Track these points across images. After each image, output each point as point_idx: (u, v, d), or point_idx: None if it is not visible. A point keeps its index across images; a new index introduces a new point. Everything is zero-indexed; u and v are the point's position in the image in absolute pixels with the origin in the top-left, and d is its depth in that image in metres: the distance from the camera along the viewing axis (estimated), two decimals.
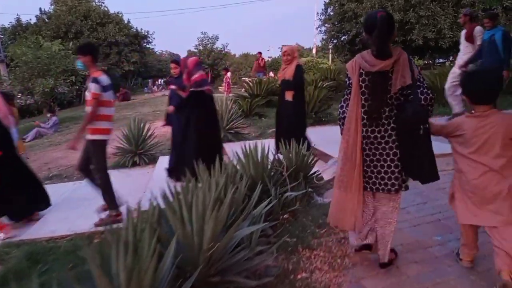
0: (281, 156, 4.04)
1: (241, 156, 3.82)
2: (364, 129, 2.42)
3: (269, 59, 54.19)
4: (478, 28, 6.79)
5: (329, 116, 9.37)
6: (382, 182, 2.43)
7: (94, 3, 29.43)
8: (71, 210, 4.88)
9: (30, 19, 27.23)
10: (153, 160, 7.62)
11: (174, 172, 5.54)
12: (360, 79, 2.39)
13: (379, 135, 2.40)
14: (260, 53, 18.09)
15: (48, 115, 13.98)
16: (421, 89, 2.31)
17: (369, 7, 14.72)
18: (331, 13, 18.75)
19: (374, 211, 2.58)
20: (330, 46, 22.69)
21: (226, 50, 38.44)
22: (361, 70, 2.38)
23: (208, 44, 35.82)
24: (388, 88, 2.33)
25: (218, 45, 37.35)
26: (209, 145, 5.28)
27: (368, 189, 2.49)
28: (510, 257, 2.24)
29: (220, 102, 8.32)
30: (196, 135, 5.10)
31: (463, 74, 2.98)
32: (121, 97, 24.89)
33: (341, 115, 2.56)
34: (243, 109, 10.64)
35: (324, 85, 12.56)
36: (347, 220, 2.49)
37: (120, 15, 29.09)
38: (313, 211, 3.52)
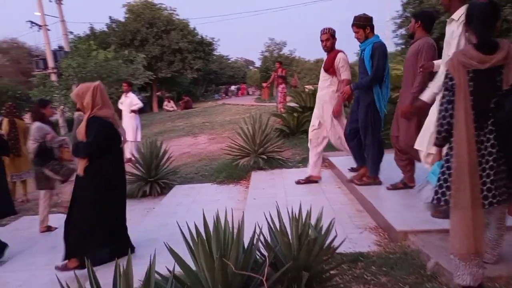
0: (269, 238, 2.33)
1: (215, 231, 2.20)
2: (476, 133, 2.17)
3: None
4: (340, 56, 4.86)
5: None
6: (497, 193, 2.16)
7: (166, 11, 29.57)
8: None
9: (102, 28, 27.79)
10: (167, 189, 6.33)
11: None
12: (468, 78, 2.15)
13: (484, 139, 2.18)
14: (279, 62, 14.08)
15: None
16: None
17: None
18: (409, 15, 16.54)
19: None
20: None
21: (294, 55, 37.00)
22: (467, 69, 2.14)
23: (274, 50, 34.60)
24: (497, 85, 2.14)
25: (285, 51, 36.02)
26: None
27: (487, 205, 2.16)
28: None
29: (253, 120, 6.76)
30: None
31: None
32: (183, 105, 24.79)
33: (442, 120, 2.30)
34: (289, 126, 8.88)
35: (393, 96, 10.38)
36: (456, 243, 2.13)
37: (186, 22, 28.74)
38: None
